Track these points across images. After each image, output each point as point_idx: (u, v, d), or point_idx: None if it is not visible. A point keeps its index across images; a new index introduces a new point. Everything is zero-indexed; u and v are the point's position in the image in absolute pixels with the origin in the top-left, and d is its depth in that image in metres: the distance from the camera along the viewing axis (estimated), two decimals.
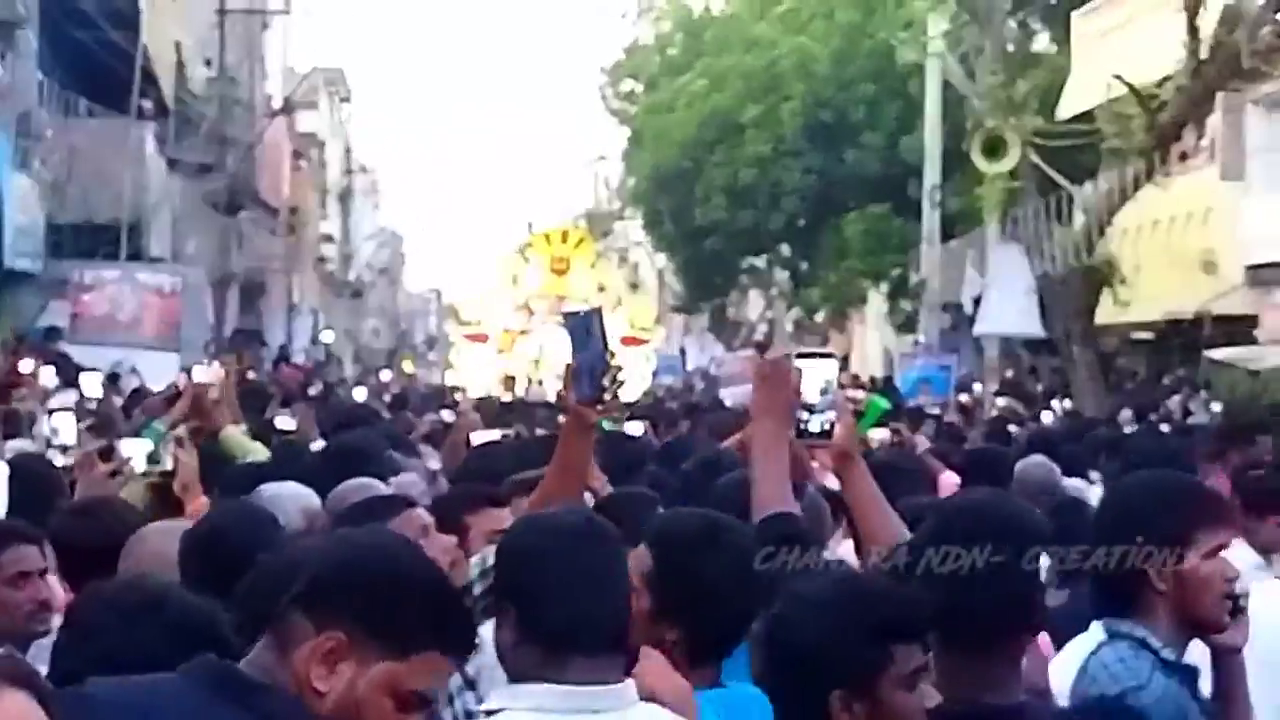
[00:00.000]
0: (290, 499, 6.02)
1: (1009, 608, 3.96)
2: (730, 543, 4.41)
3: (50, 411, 8.62)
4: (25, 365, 20.17)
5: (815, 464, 6.96)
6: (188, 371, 17.25)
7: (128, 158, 32.78)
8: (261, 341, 47.89)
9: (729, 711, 4.09)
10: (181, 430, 7.94)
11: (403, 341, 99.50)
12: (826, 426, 5.04)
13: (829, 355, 5.31)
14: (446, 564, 5.02)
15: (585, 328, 5.06)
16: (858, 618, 3.62)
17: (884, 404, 19.49)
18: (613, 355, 5.03)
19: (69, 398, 16.00)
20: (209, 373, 9.12)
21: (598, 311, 5.14)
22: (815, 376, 5.03)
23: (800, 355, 5.21)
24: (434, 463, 9.35)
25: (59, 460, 7.97)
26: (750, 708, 4.06)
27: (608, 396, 5.03)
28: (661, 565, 4.25)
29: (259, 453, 8.25)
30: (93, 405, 14.67)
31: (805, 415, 5.02)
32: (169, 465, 7.25)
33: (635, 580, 4.18)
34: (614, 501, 6.04)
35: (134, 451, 7.29)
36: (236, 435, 8.07)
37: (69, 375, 20.66)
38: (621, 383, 5.07)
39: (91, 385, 14.53)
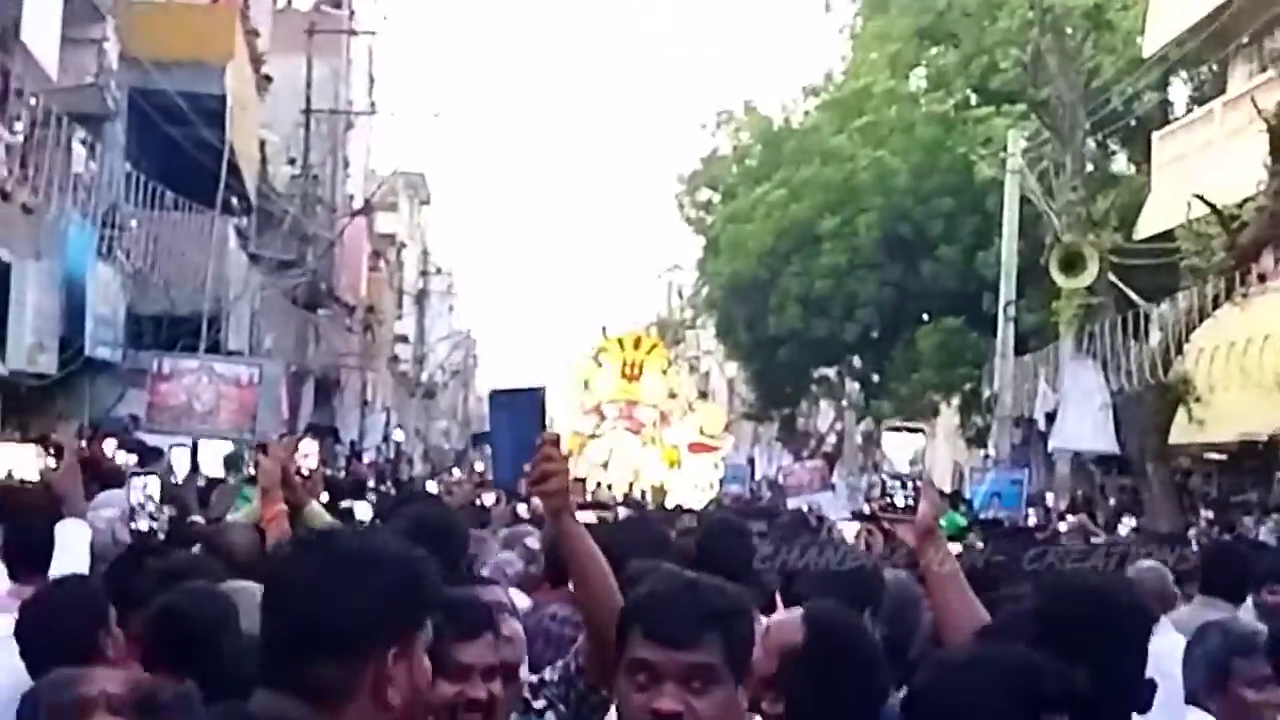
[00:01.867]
0: None
1: (1121, 690, 3.97)
2: (872, 644, 4.62)
3: (132, 474, 8.65)
4: (108, 447, 20.39)
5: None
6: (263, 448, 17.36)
7: (210, 251, 33.09)
8: (336, 437, 48.11)
9: None
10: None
11: (473, 443, 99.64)
12: (910, 502, 4.96)
13: (918, 430, 5.23)
14: (516, 645, 5.05)
15: (518, 407, 4.91)
16: (1006, 687, 3.54)
17: (960, 520, 19.33)
18: (549, 442, 4.76)
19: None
20: (307, 444, 9.12)
21: (540, 392, 5.00)
22: (905, 448, 4.99)
23: (891, 429, 5.16)
24: (533, 541, 9.39)
25: (145, 525, 8.05)
26: None
27: (529, 480, 4.74)
28: (812, 644, 4.38)
29: None
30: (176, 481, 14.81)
31: (893, 486, 4.95)
32: (250, 471, 7.29)
33: (765, 648, 4.30)
34: None
35: (212, 458, 7.35)
36: (319, 511, 8.06)
37: (146, 461, 20.84)
38: (555, 471, 4.70)
39: (180, 462, 14.63)
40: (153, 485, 7.93)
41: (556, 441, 4.80)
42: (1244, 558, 9.73)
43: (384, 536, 3.46)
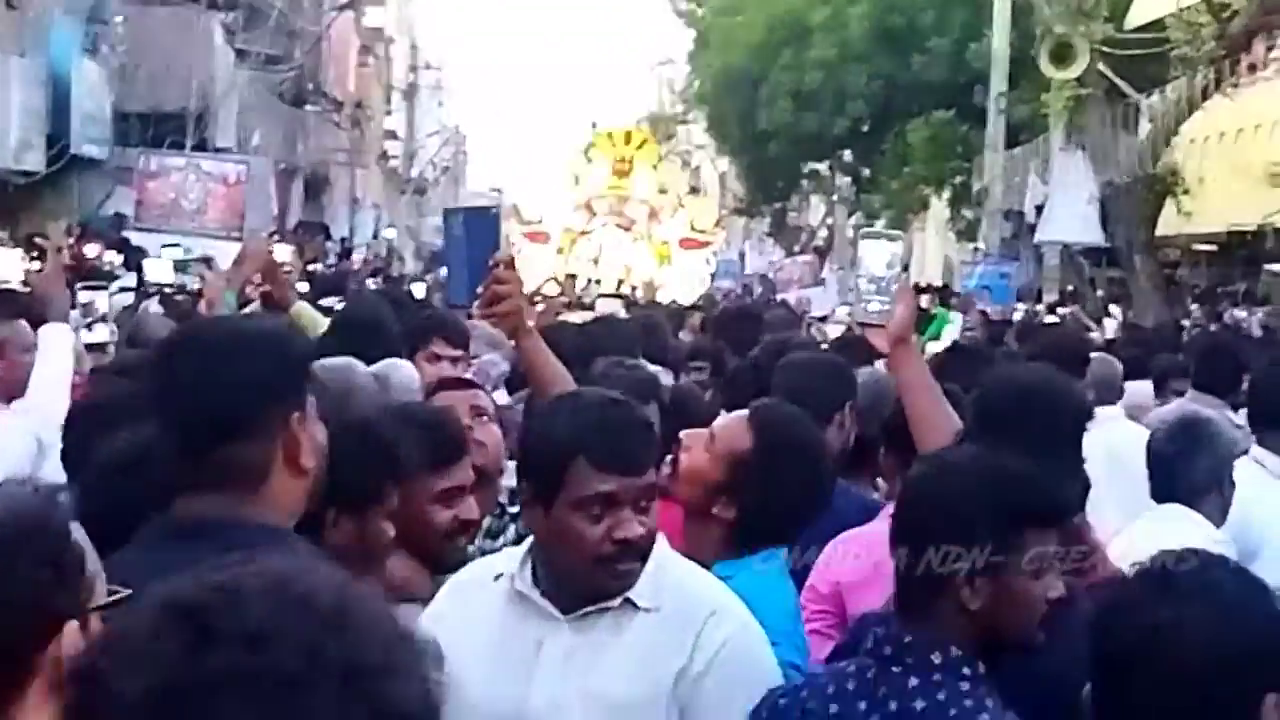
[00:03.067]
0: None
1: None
2: (818, 439, 4.66)
3: (83, 288, 8.64)
4: (90, 250, 20.37)
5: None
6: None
7: (196, 47, 32.87)
8: (326, 234, 48.07)
9: (750, 582, 4.11)
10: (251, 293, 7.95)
11: (432, 261, 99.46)
12: (885, 307, 4.98)
13: (896, 237, 5.21)
14: (492, 452, 5.08)
15: (472, 227, 4.84)
16: (996, 494, 3.52)
17: (950, 319, 19.19)
18: (502, 264, 4.77)
19: (130, 280, 16.15)
20: (282, 250, 9.12)
21: (495, 211, 4.94)
22: (882, 252, 4.97)
23: (866, 235, 5.14)
24: None
25: (93, 336, 8.08)
26: (771, 584, 4.24)
27: (481, 304, 4.76)
28: (761, 447, 4.39)
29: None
30: (156, 289, 14.77)
31: (869, 291, 4.91)
32: (194, 284, 7.30)
33: (714, 455, 4.35)
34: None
35: (157, 272, 7.36)
36: (309, 310, 8.03)
37: (132, 260, 20.85)
38: (508, 294, 4.73)
39: (160, 271, 14.54)
40: (102, 300, 7.94)
41: (511, 263, 4.80)
42: (1236, 353, 9.68)
43: (248, 318, 3.52)
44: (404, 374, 5.97)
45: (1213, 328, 21.85)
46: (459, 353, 7.20)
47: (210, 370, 3.18)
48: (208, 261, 7.71)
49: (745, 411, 4.59)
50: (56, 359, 6.82)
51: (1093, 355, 9.75)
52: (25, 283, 8.27)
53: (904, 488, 3.78)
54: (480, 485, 4.59)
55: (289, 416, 3.19)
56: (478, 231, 4.84)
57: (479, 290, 4.73)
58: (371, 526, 3.85)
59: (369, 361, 5.86)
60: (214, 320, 3.82)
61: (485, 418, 5.09)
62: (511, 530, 4.90)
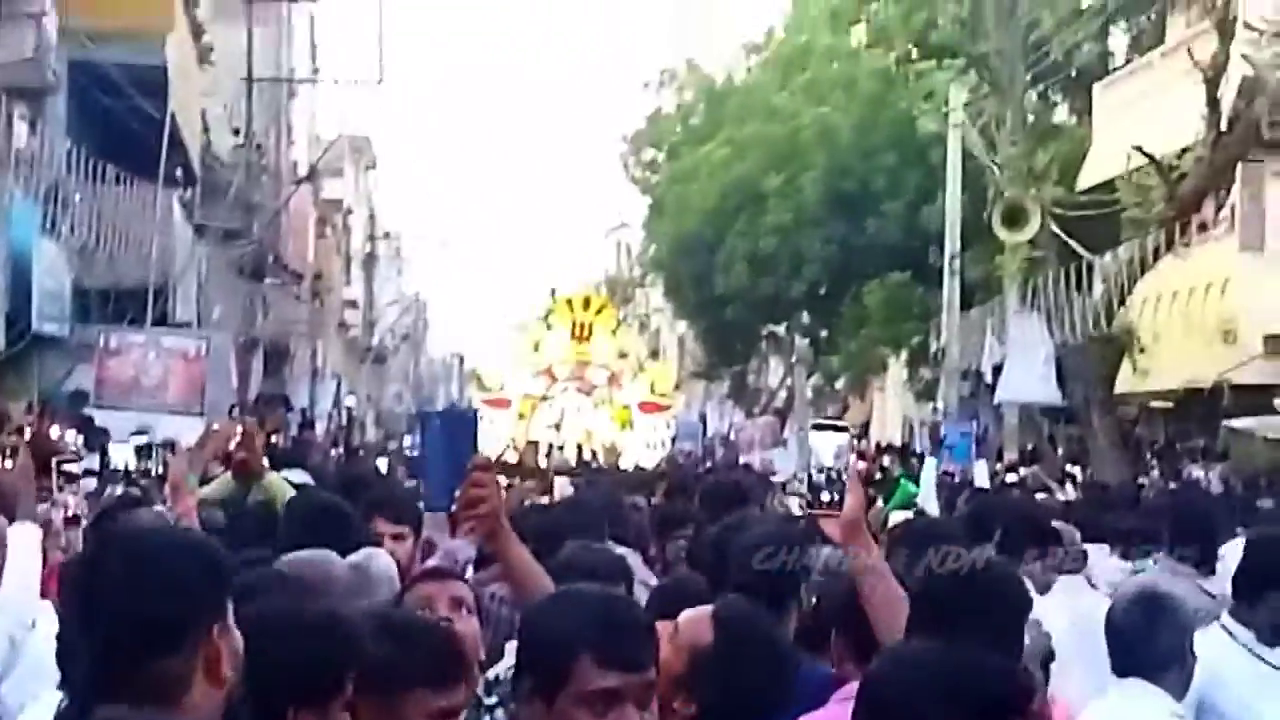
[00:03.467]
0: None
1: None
2: (781, 638, 4.69)
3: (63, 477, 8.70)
4: (53, 432, 20.32)
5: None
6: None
7: (155, 223, 32.93)
8: (287, 405, 48.00)
9: None
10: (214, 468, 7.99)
11: (425, 407, 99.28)
12: (837, 497, 5.03)
13: (843, 428, 5.33)
14: (470, 646, 5.07)
15: (450, 429, 4.88)
16: (955, 689, 3.55)
17: (912, 489, 19.23)
18: (479, 467, 4.83)
19: (92, 462, 16.12)
20: (248, 427, 9.16)
21: (472, 414, 4.98)
22: (829, 443, 5.10)
23: (816, 426, 5.25)
24: None
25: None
26: None
27: (460, 507, 4.83)
28: (721, 643, 4.41)
29: None
30: (120, 472, 14.78)
31: (819, 481, 5.00)
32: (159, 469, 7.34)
33: (676, 647, 4.37)
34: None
35: (122, 456, 7.41)
36: (279, 481, 8.03)
37: (93, 441, 20.82)
38: (484, 497, 4.79)
39: (122, 455, 14.56)
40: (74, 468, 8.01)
41: (488, 466, 4.84)
42: (1207, 516, 9.16)
43: (172, 526, 3.52)
44: (381, 564, 5.98)
45: (1172, 485, 21.98)
46: (402, 530, 7.12)
47: (133, 585, 3.17)
48: (171, 446, 7.77)
49: (710, 607, 4.63)
50: (26, 558, 6.81)
51: (1056, 521, 9.77)
52: None
53: (864, 683, 3.81)
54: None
55: (211, 628, 3.19)
56: (455, 434, 4.89)
57: (457, 494, 4.76)
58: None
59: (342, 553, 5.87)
60: (136, 531, 3.82)
61: (464, 610, 5.09)
62: None
